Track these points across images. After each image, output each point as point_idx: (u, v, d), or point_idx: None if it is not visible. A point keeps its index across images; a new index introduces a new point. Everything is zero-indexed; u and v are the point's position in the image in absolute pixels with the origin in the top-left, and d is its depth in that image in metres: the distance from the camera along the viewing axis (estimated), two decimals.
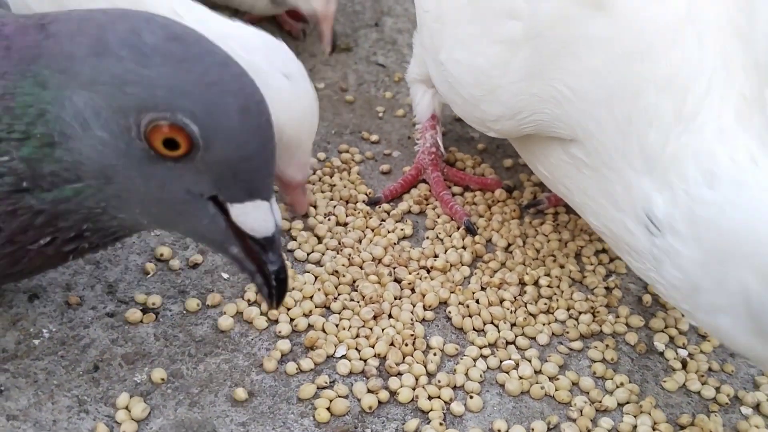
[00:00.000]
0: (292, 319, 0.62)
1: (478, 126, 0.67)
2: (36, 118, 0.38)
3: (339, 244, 0.70)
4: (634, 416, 0.59)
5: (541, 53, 0.58)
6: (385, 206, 0.76)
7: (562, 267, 0.71)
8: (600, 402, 0.59)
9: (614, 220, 0.55)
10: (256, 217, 0.40)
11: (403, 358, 0.60)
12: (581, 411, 0.58)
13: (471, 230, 0.74)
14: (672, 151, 0.51)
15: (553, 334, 0.65)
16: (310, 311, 0.63)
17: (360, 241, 0.71)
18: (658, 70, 0.53)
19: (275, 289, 0.43)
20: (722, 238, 0.48)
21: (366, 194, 0.77)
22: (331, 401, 0.56)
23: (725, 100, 0.52)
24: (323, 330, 0.62)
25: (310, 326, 0.62)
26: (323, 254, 0.69)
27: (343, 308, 0.64)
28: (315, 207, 0.74)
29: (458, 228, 0.74)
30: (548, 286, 0.69)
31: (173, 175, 0.38)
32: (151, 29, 0.37)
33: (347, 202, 0.76)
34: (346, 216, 0.74)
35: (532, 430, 0.56)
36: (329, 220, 0.72)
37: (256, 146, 0.39)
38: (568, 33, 0.56)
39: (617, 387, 0.61)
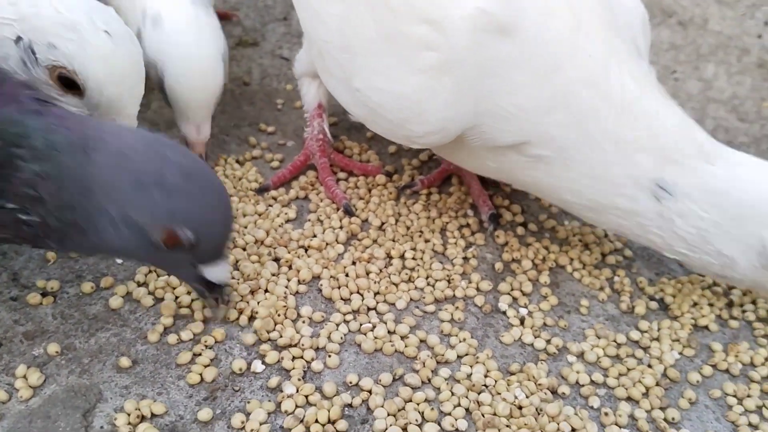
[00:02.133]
0: (176, 297, 0.71)
1: (402, 141, 0.71)
2: (80, 214, 0.56)
3: None
4: (470, 366, 0.68)
5: (466, 78, 0.63)
6: (273, 193, 0.85)
7: (427, 241, 0.81)
8: (442, 355, 0.69)
9: (602, 193, 0.67)
10: (217, 272, 0.62)
11: (275, 326, 0.70)
12: (424, 363, 0.68)
13: (349, 212, 0.83)
14: (646, 135, 0.64)
15: (411, 299, 0.74)
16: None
17: (246, 226, 0.80)
18: (571, 76, 0.63)
19: (225, 303, 0.68)
20: (736, 205, 0.63)
21: (257, 182, 0.86)
22: (205, 367, 0.65)
23: (637, 80, 0.64)
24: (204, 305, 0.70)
25: (193, 301, 0.71)
26: None
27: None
28: None
29: (338, 210, 0.83)
30: (413, 259, 0.78)
31: (169, 254, 0.58)
32: (171, 170, 0.56)
33: (239, 190, 0.85)
34: (239, 201, 0.83)
35: (380, 380, 0.66)
36: None
37: (225, 236, 0.61)
38: (485, 58, 0.63)
39: (460, 342, 0.70)
